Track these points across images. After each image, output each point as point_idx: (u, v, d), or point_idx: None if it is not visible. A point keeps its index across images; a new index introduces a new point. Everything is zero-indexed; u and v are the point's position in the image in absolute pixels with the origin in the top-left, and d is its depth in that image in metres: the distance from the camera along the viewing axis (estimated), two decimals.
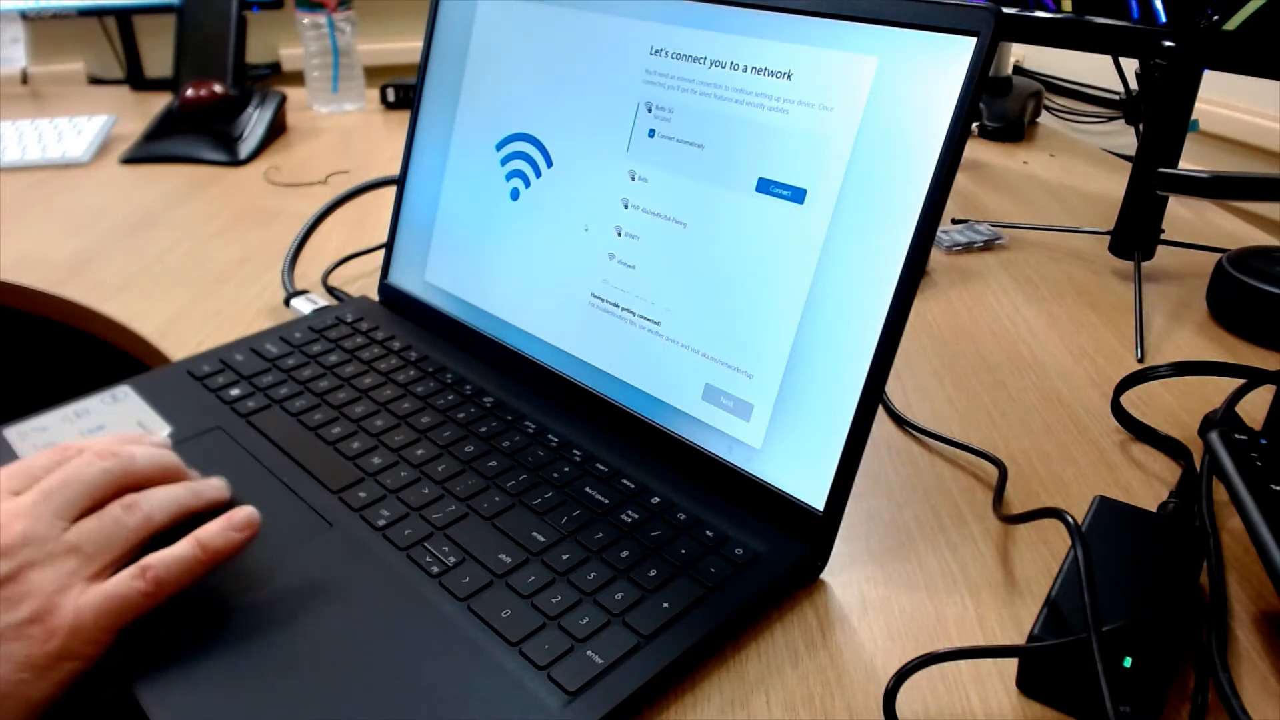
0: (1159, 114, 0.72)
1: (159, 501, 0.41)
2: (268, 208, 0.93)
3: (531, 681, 0.38)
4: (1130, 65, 0.88)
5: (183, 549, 0.39)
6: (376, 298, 0.69)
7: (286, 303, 0.71)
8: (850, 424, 0.44)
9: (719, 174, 0.49)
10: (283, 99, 1.16)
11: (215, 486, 0.45)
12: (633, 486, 0.49)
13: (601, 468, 0.50)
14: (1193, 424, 0.58)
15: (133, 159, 1.08)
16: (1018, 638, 0.43)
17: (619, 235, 0.53)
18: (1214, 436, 0.46)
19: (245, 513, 0.42)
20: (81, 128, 1.12)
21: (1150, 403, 0.60)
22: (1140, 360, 0.65)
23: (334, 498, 0.48)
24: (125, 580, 0.38)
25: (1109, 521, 0.45)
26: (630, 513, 0.47)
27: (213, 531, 0.40)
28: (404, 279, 0.67)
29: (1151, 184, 0.72)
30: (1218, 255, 0.72)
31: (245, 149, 1.08)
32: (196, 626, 0.40)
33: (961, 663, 0.41)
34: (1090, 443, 0.57)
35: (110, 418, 0.55)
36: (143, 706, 0.37)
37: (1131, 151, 0.81)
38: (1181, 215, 0.90)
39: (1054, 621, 0.40)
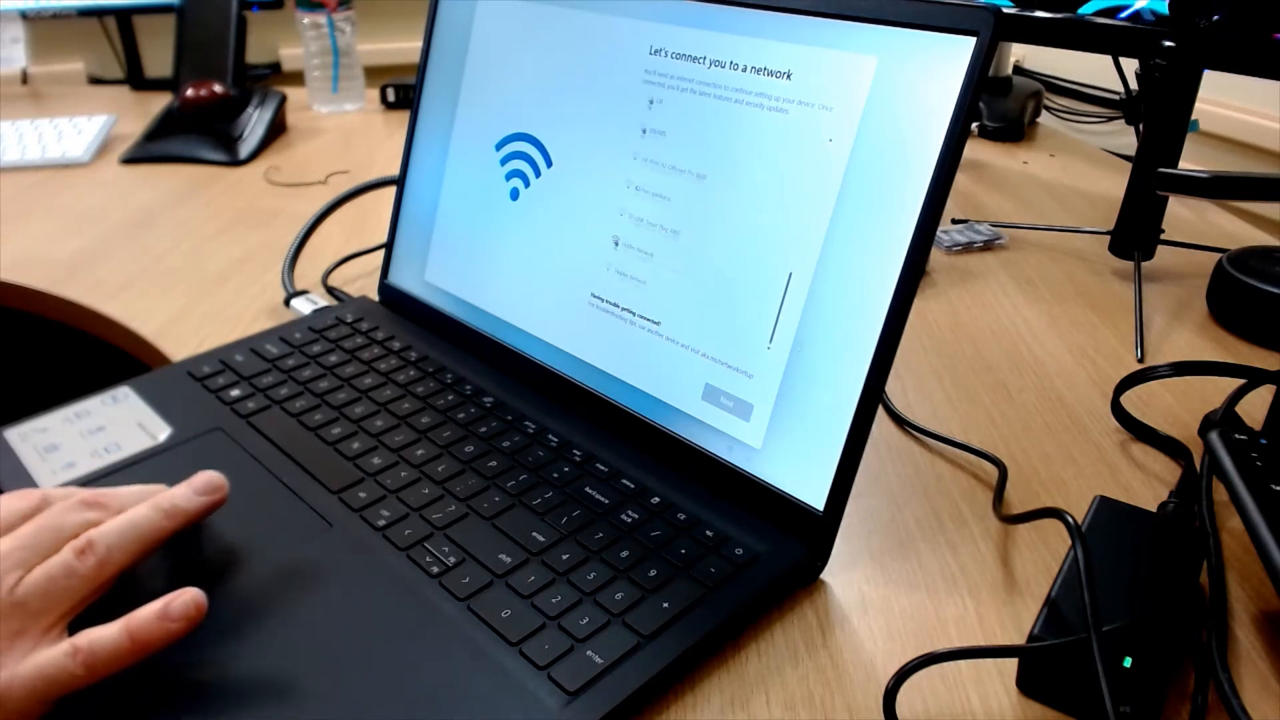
0: (1159, 114, 0.72)
1: (118, 537, 0.38)
2: (268, 208, 0.93)
3: (531, 681, 0.38)
4: (1130, 65, 0.88)
5: (114, 636, 0.36)
6: (376, 298, 0.69)
7: (286, 303, 0.71)
8: (850, 424, 0.44)
9: (719, 173, 0.49)
10: (283, 99, 1.16)
11: (200, 488, 0.42)
12: (633, 486, 0.49)
13: (601, 468, 0.50)
14: (1193, 424, 0.58)
15: (133, 159, 1.08)
16: (1018, 638, 0.43)
17: (619, 234, 0.53)
18: (1214, 436, 0.46)
19: (184, 600, 0.37)
20: (81, 128, 1.12)
21: (1150, 403, 0.60)
22: (1140, 360, 0.65)
23: (334, 498, 0.48)
24: (58, 659, 0.35)
25: (1109, 521, 0.45)
26: (630, 513, 0.47)
27: (145, 621, 0.36)
28: (404, 279, 0.67)
29: (1151, 184, 0.72)
30: (1218, 255, 0.72)
31: (245, 149, 1.08)
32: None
33: (961, 663, 0.41)
34: (1090, 443, 0.57)
35: (110, 419, 0.55)
36: (141, 708, 0.37)
37: (1131, 151, 0.82)
38: (1181, 215, 0.90)
39: (1054, 621, 0.40)
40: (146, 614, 0.37)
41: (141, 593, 0.38)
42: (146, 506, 0.40)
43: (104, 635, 0.36)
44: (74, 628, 0.36)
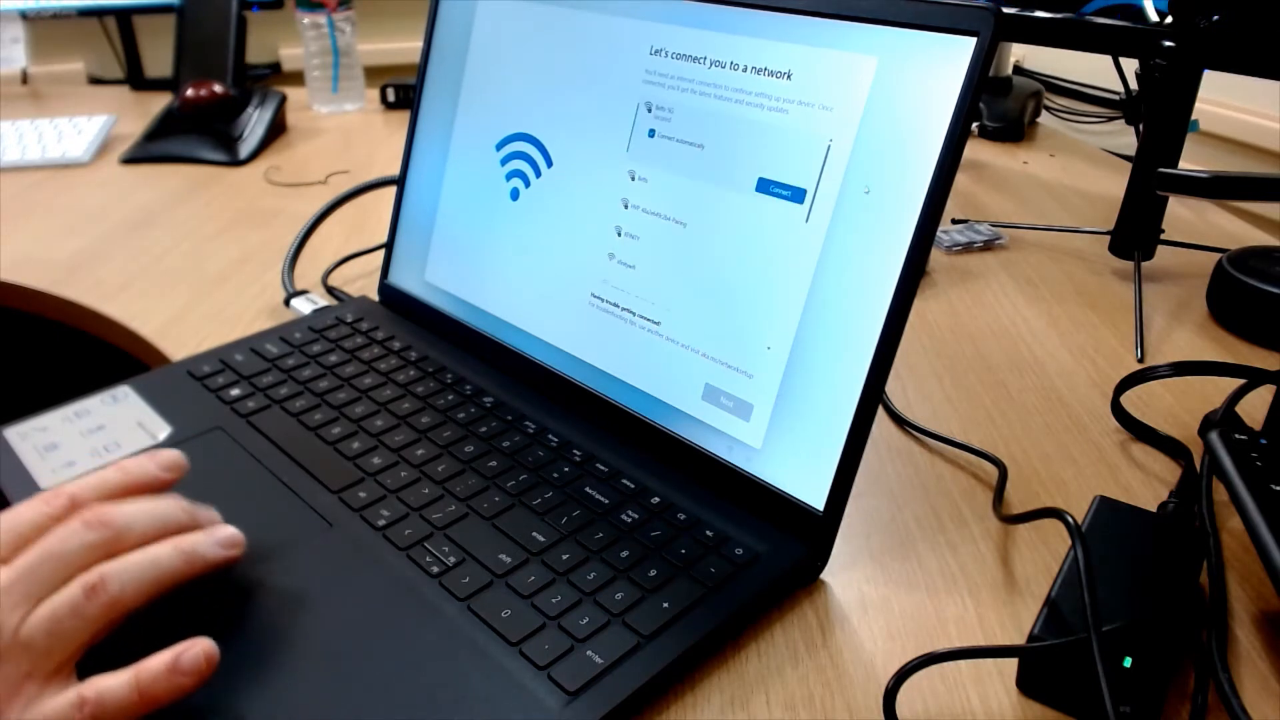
0: (1159, 114, 0.72)
1: (133, 574, 0.36)
2: (268, 208, 0.93)
3: (531, 681, 0.38)
4: (1130, 65, 0.88)
5: (122, 689, 0.34)
6: (376, 298, 0.69)
7: (286, 303, 0.71)
8: (850, 424, 0.44)
9: (719, 174, 0.49)
10: (283, 99, 1.16)
11: (222, 541, 0.40)
12: (633, 486, 0.49)
13: (601, 468, 0.50)
14: (1193, 424, 0.58)
15: (133, 159, 1.08)
16: (1018, 638, 0.43)
17: (619, 235, 0.53)
18: (1214, 436, 0.46)
19: (194, 654, 0.36)
20: (81, 128, 1.12)
21: (1150, 403, 0.60)
22: (1140, 360, 0.65)
23: (334, 498, 0.48)
24: (64, 710, 0.33)
25: (1109, 521, 0.45)
26: (630, 513, 0.47)
27: (154, 675, 0.35)
28: (404, 279, 0.67)
29: (1151, 184, 0.72)
30: (1218, 255, 0.72)
31: (245, 149, 1.08)
32: (196, 626, 0.40)
33: (961, 663, 0.41)
34: (1090, 443, 0.57)
35: (110, 418, 0.55)
36: None
37: (1131, 151, 0.82)
38: (1181, 215, 0.90)
39: (1054, 621, 0.40)
40: (156, 666, 0.35)
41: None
42: (168, 547, 0.38)
43: (112, 686, 0.35)
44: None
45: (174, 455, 0.42)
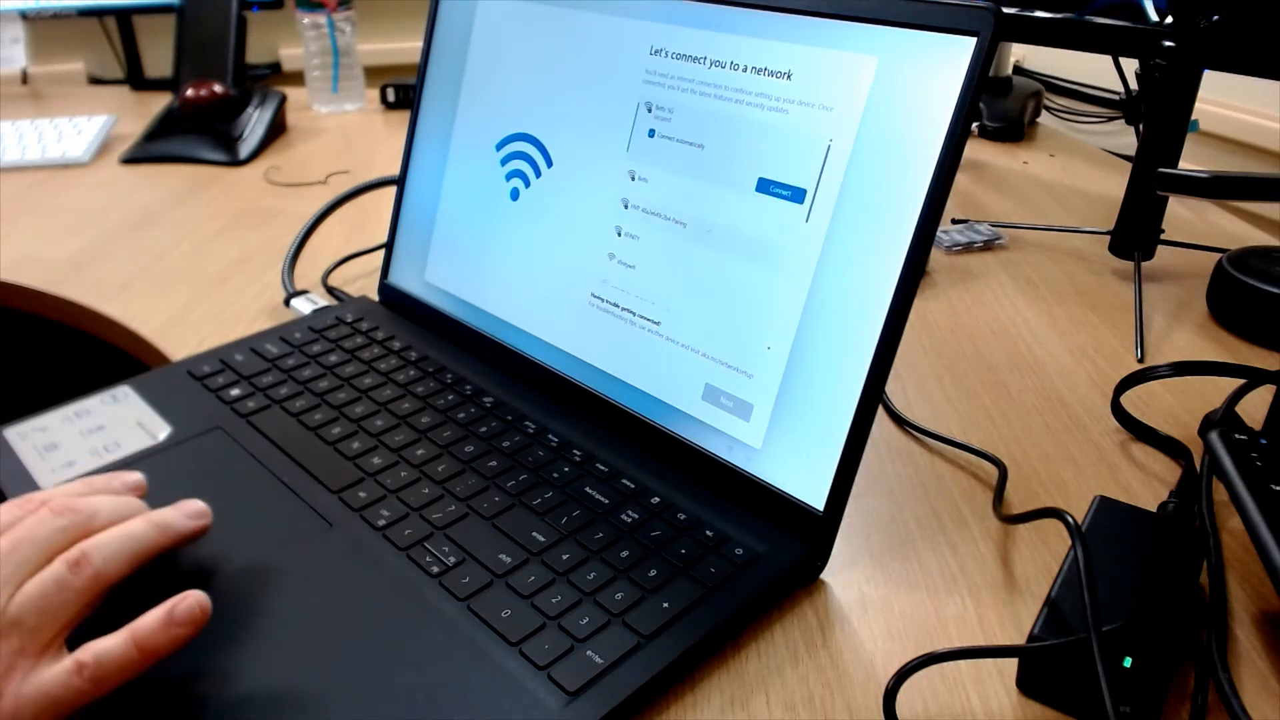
0: (1159, 114, 0.72)
1: (113, 549, 0.37)
2: (268, 208, 0.93)
3: (531, 681, 0.38)
4: (1130, 65, 0.88)
5: (119, 646, 0.35)
6: (376, 298, 0.69)
7: (286, 303, 0.71)
8: (850, 424, 0.44)
9: (719, 174, 0.49)
10: (283, 99, 1.16)
11: (190, 513, 0.41)
12: (633, 486, 0.49)
13: (601, 468, 0.50)
14: (1193, 424, 0.58)
15: (133, 159, 1.08)
16: (1018, 638, 0.43)
17: (619, 235, 0.53)
18: (1214, 436, 0.46)
19: (188, 604, 0.36)
20: (81, 128, 1.12)
21: (1150, 403, 0.60)
22: (1140, 360, 0.65)
23: (334, 498, 0.48)
24: (63, 677, 0.34)
25: (1109, 521, 0.45)
26: (630, 513, 0.47)
27: (150, 628, 0.36)
28: (404, 279, 0.67)
29: (1151, 184, 0.72)
30: (1218, 255, 0.72)
31: (245, 149, 1.08)
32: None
33: (961, 663, 0.41)
34: (1090, 443, 0.57)
35: (110, 418, 0.55)
36: (137, 711, 0.36)
37: (1131, 151, 0.82)
38: (1181, 215, 0.90)
39: (1054, 621, 0.40)
40: (151, 620, 0.36)
41: (141, 595, 0.38)
42: (141, 521, 0.39)
43: (109, 646, 0.35)
44: (69, 641, 0.36)
45: (136, 477, 0.44)
